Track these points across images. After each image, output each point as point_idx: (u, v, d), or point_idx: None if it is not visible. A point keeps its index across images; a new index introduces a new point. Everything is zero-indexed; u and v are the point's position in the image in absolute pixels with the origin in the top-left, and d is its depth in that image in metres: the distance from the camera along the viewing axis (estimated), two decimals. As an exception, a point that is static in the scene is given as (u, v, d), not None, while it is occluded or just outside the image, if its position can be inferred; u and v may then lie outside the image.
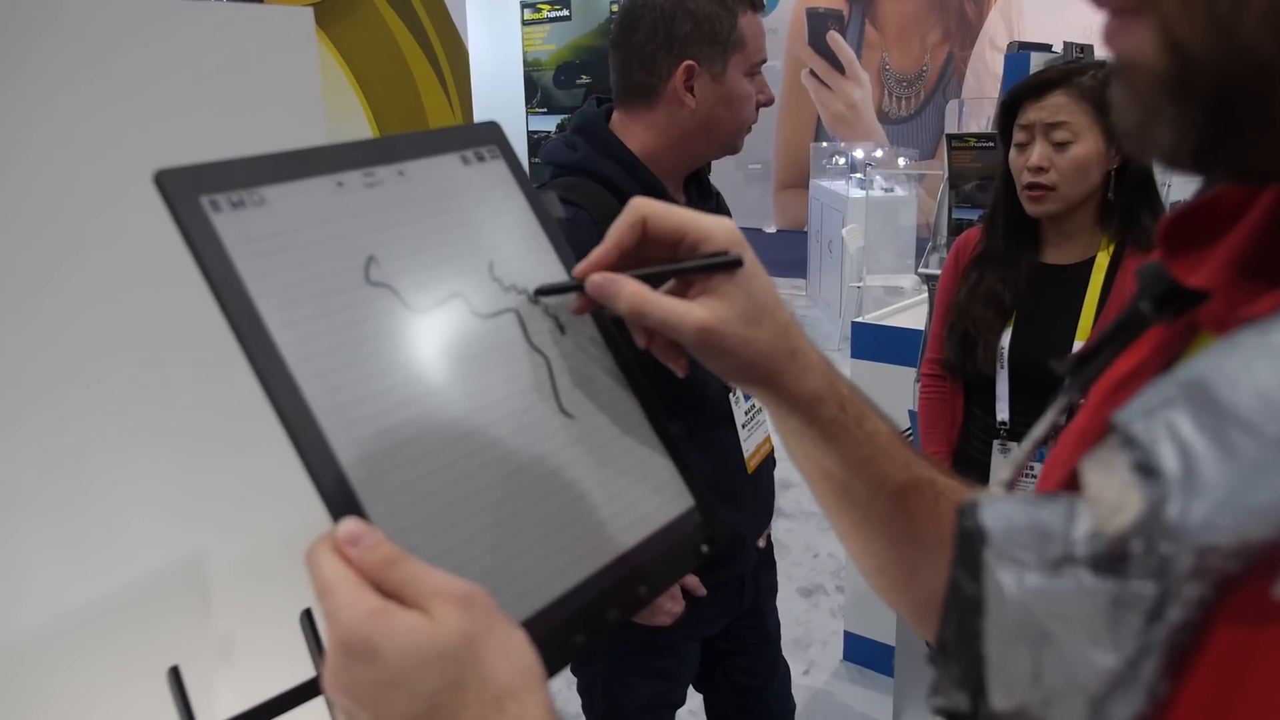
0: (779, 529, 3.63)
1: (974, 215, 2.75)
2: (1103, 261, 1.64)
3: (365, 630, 0.37)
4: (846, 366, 2.73)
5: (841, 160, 6.70)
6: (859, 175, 6.12)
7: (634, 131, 1.38)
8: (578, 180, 1.35)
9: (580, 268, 0.53)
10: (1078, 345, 1.52)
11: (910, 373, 1.94)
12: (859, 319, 2.87)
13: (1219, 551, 0.26)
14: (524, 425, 0.49)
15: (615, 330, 0.56)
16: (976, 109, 5.15)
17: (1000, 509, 0.31)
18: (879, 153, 6.62)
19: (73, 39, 1.01)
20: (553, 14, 6.24)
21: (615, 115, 1.42)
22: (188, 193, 0.43)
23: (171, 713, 0.90)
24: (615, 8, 5.96)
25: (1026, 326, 1.67)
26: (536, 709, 0.38)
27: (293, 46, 1.25)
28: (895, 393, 2.36)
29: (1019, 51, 3.91)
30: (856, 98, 7.85)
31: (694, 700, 1.69)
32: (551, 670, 0.44)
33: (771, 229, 8.31)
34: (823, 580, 3.36)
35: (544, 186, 1.39)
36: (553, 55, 6.28)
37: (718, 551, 0.56)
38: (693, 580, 1.44)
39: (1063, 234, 1.68)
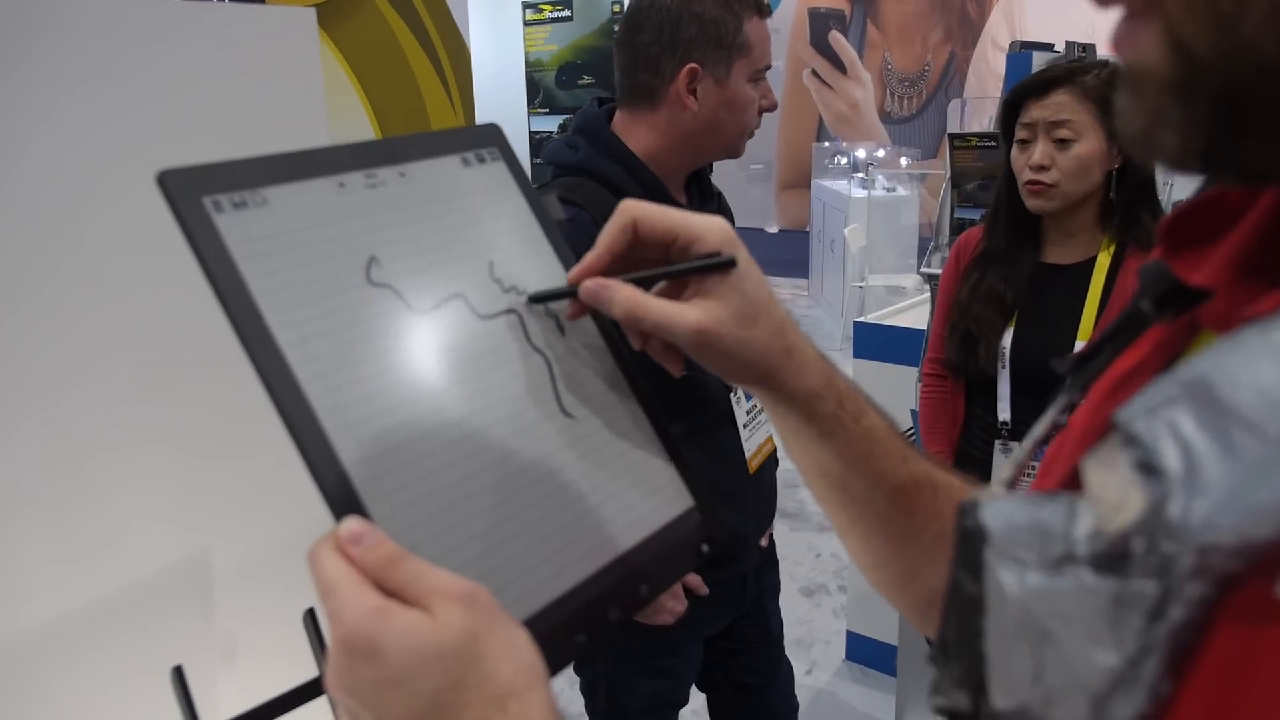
0: (781, 529, 3.62)
1: (976, 215, 2.74)
2: (1104, 261, 1.64)
3: (368, 629, 0.37)
4: (849, 366, 2.73)
5: (844, 160, 6.70)
6: (861, 175, 6.12)
7: (636, 132, 1.38)
8: (579, 181, 1.35)
9: (573, 273, 0.53)
10: (1079, 345, 1.52)
11: (913, 372, 1.94)
12: (861, 319, 2.87)
13: (1221, 550, 0.26)
14: (524, 426, 0.49)
15: (615, 331, 0.56)
16: (978, 108, 5.15)
17: (1001, 508, 0.31)
18: (881, 152, 6.62)
19: (74, 39, 1.01)
20: (554, 14, 6.24)
21: (618, 115, 1.42)
22: (191, 193, 0.43)
23: (174, 712, 0.90)
24: (617, 8, 5.95)
25: (1028, 326, 1.67)
26: (539, 707, 0.38)
27: (295, 47, 1.25)
28: (898, 392, 2.36)
29: (1021, 51, 3.91)
30: (858, 97, 7.85)
31: (697, 700, 1.70)
32: (553, 670, 0.44)
33: (774, 229, 8.31)
34: (825, 580, 3.36)
35: (545, 187, 1.39)
36: (554, 56, 6.28)
37: (719, 551, 0.56)
38: (695, 579, 1.44)
39: (1064, 233, 1.68)
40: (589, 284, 0.52)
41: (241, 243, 0.43)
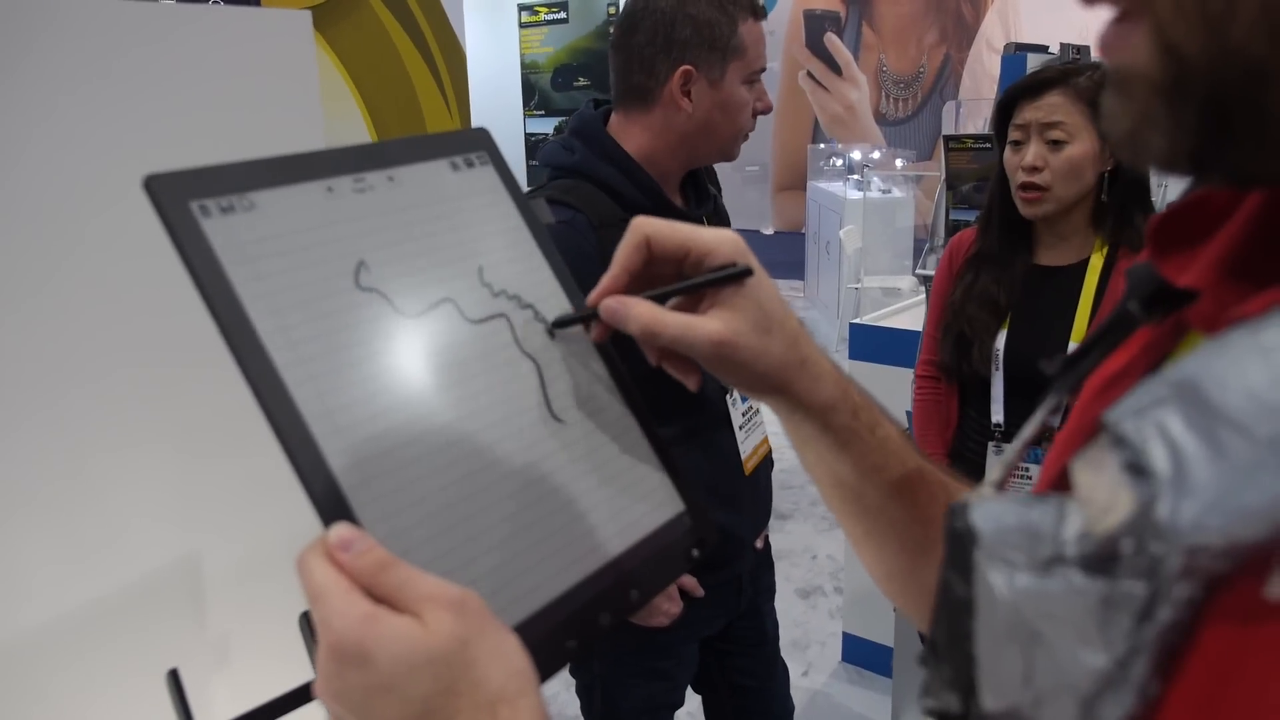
0: (778, 530, 3.63)
1: (971, 216, 2.75)
2: (1097, 263, 1.64)
3: (357, 635, 0.37)
4: (845, 367, 2.73)
5: (839, 162, 6.71)
6: (856, 177, 6.12)
7: (631, 133, 1.38)
8: (575, 183, 1.35)
9: (593, 296, 0.54)
10: (1073, 347, 1.53)
11: (908, 374, 1.94)
12: (857, 320, 2.87)
13: (1209, 552, 0.26)
14: (514, 430, 0.49)
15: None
16: (973, 110, 5.16)
17: (990, 510, 0.31)
18: (876, 154, 6.63)
19: (72, 40, 1.01)
20: (550, 16, 6.24)
21: (613, 117, 1.42)
22: (178, 198, 0.43)
23: (170, 714, 0.90)
24: (612, 10, 5.95)
25: (1021, 328, 1.67)
26: (529, 713, 0.38)
27: (291, 49, 1.25)
28: (893, 394, 2.36)
29: (1016, 53, 3.92)
30: (854, 99, 7.86)
31: (692, 701, 1.69)
32: (544, 675, 0.44)
33: (769, 231, 8.31)
34: (821, 581, 3.36)
35: (541, 188, 1.39)
36: (550, 58, 6.28)
37: (713, 553, 0.56)
38: (690, 581, 1.44)
39: (1057, 235, 1.68)
40: (607, 303, 0.52)
41: (229, 247, 0.43)
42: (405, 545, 0.43)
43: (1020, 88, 1.65)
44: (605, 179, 1.34)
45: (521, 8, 6.32)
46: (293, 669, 0.92)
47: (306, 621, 0.95)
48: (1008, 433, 1.68)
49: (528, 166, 6.01)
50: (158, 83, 1.09)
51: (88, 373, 1.04)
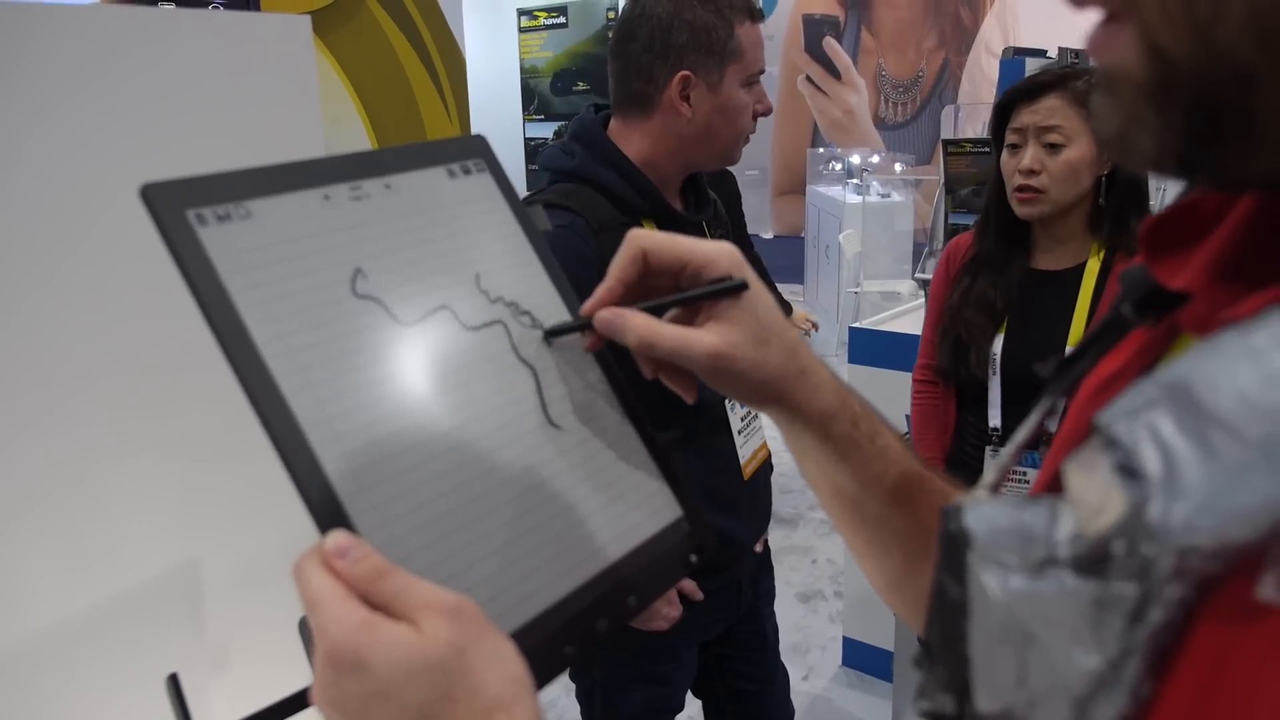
0: (777, 534, 3.62)
1: (970, 220, 2.75)
2: (1094, 267, 1.64)
3: (353, 643, 0.37)
4: (844, 372, 2.73)
5: (838, 166, 6.72)
6: (856, 181, 6.12)
7: (631, 139, 1.38)
8: (575, 187, 1.35)
9: (587, 306, 0.54)
10: (1070, 352, 1.53)
11: (908, 378, 1.94)
12: (856, 324, 2.87)
13: (1199, 552, 0.26)
14: (512, 437, 0.49)
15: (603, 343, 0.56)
16: (972, 114, 5.17)
17: (984, 512, 0.31)
18: (875, 158, 6.63)
19: (72, 44, 1.02)
20: (549, 21, 6.25)
21: (613, 123, 1.42)
22: (174, 207, 0.43)
23: (169, 719, 0.90)
24: (612, 15, 5.96)
25: (1018, 333, 1.67)
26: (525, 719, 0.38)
27: (291, 54, 1.25)
28: (893, 398, 2.36)
29: (1014, 57, 3.93)
30: (853, 103, 7.87)
31: (692, 706, 1.69)
32: (542, 681, 0.44)
33: (769, 235, 8.32)
34: (821, 586, 3.36)
35: (541, 192, 1.39)
36: (549, 62, 6.28)
37: (712, 558, 0.56)
38: (690, 585, 1.44)
39: (1054, 239, 1.68)
40: (603, 314, 0.52)
41: (225, 256, 0.43)
42: (402, 552, 0.43)
43: (1018, 91, 1.65)
44: (605, 183, 1.34)
45: (521, 12, 6.33)
46: (290, 674, 0.92)
47: (305, 627, 0.95)
48: (1005, 437, 1.68)
49: (527, 171, 6.01)
50: (158, 87, 1.09)
51: (87, 379, 1.04)
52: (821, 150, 7.37)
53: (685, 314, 0.54)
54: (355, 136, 3.44)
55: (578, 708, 1.59)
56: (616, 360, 0.56)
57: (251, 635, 1.20)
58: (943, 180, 3.25)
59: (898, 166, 6.46)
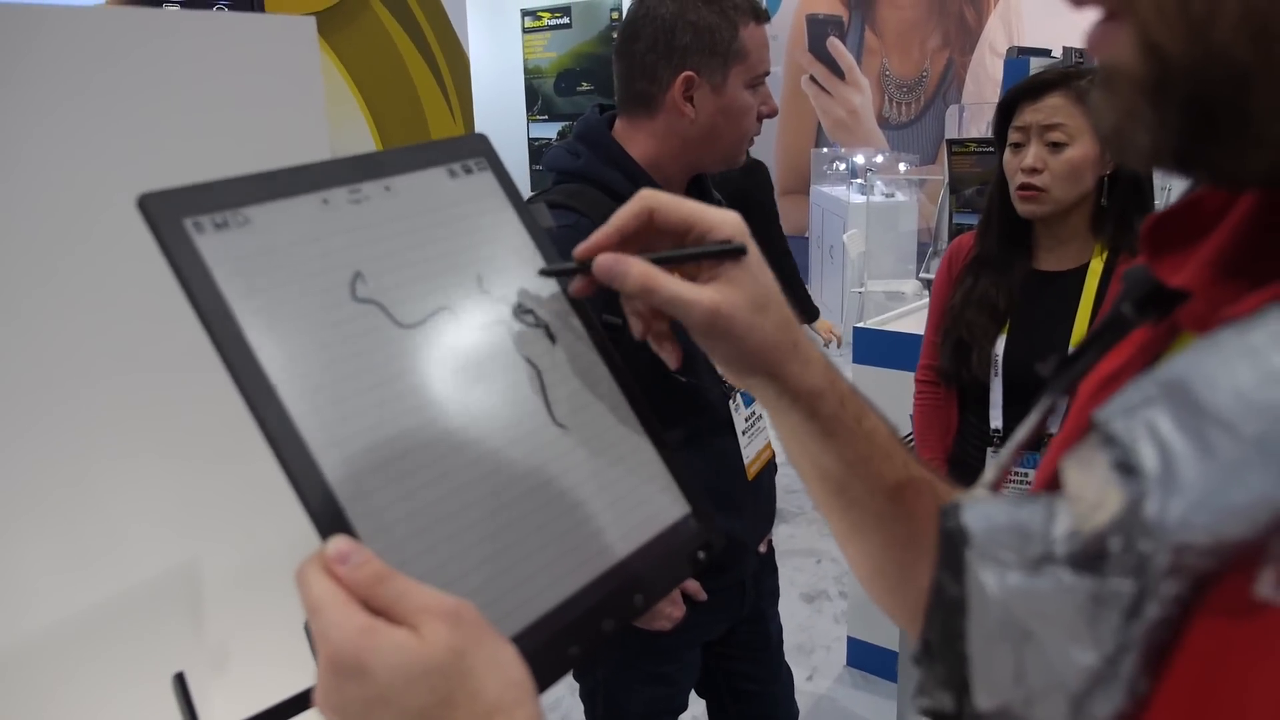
0: (781, 534, 3.62)
1: (974, 220, 2.75)
2: (1096, 268, 1.64)
3: (354, 648, 0.37)
4: (848, 372, 2.73)
5: (842, 166, 6.71)
6: (860, 181, 6.12)
7: (636, 139, 1.38)
8: (579, 187, 1.36)
9: (580, 249, 0.53)
10: (1070, 352, 1.53)
11: (913, 378, 1.94)
12: (861, 324, 2.87)
13: (1195, 549, 0.26)
14: (515, 437, 0.49)
15: (608, 338, 0.56)
16: (976, 114, 5.16)
17: (982, 510, 0.31)
18: (880, 158, 6.62)
19: (77, 45, 1.02)
20: (553, 22, 6.25)
21: (618, 123, 1.42)
22: (171, 216, 0.43)
23: (173, 718, 0.91)
24: (616, 15, 5.96)
25: (1021, 334, 1.67)
26: None
27: (296, 55, 1.26)
28: (898, 398, 2.36)
29: (1018, 57, 3.93)
30: (857, 103, 7.86)
31: (696, 706, 1.69)
32: (547, 683, 0.43)
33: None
34: (826, 585, 3.36)
35: (546, 192, 1.39)
36: (553, 63, 6.29)
37: (715, 557, 0.55)
38: (693, 585, 1.44)
39: (1056, 239, 1.68)
40: (603, 259, 0.52)
41: (223, 264, 0.43)
42: (403, 556, 0.43)
43: (1021, 89, 1.65)
44: (610, 184, 1.35)
45: (525, 13, 6.33)
46: (292, 675, 0.92)
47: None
48: (1007, 438, 1.68)
49: (531, 171, 6.02)
50: (163, 88, 1.09)
51: (88, 379, 1.04)
52: (825, 150, 7.36)
53: (684, 273, 0.54)
54: (359, 137, 3.45)
55: (581, 707, 1.59)
56: (623, 357, 0.56)
57: (253, 635, 1.20)
58: (947, 180, 3.25)
59: (902, 166, 6.45)
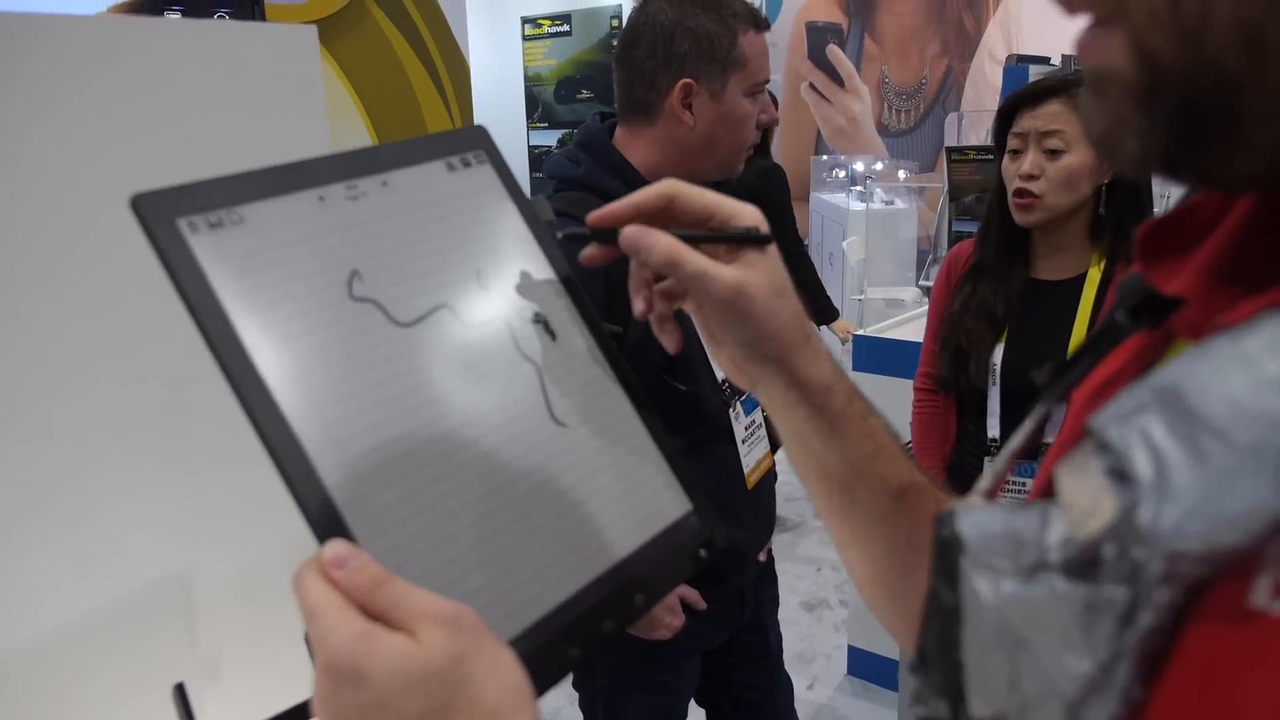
0: (781, 542, 3.62)
1: (974, 227, 2.75)
2: (1094, 277, 1.64)
3: (351, 654, 0.37)
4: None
5: (841, 173, 6.71)
6: (859, 188, 6.12)
7: (636, 147, 1.39)
8: (580, 195, 1.36)
9: (595, 215, 0.54)
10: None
11: (912, 385, 1.94)
12: (860, 331, 2.87)
13: (1189, 557, 0.26)
14: (514, 436, 0.49)
15: (608, 336, 0.56)
16: (976, 122, 5.17)
17: (976, 518, 0.31)
18: (879, 166, 6.63)
19: (77, 54, 1.02)
20: (553, 29, 6.26)
21: (618, 131, 1.42)
22: (164, 216, 0.42)
23: (170, 727, 0.90)
24: (616, 23, 5.98)
25: (1019, 343, 1.67)
26: None
27: (297, 64, 1.26)
28: (897, 405, 2.36)
29: (1017, 64, 3.93)
30: (856, 111, 7.87)
31: (696, 715, 1.69)
32: (547, 685, 0.43)
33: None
34: (826, 594, 3.35)
35: (547, 199, 1.39)
36: (553, 70, 6.29)
37: (716, 560, 0.55)
38: (693, 594, 1.44)
39: (1053, 248, 1.68)
40: (631, 230, 0.52)
41: (217, 264, 0.42)
42: (401, 560, 0.42)
43: (1020, 96, 1.65)
44: (610, 191, 1.35)
45: (525, 20, 6.34)
46: (292, 685, 0.92)
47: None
48: (1004, 447, 1.68)
49: (531, 178, 6.02)
50: (164, 97, 1.10)
51: (86, 386, 1.04)
52: (825, 157, 7.37)
53: (707, 254, 0.55)
54: (359, 145, 3.45)
55: (581, 716, 1.59)
56: (624, 355, 0.56)
57: (254, 644, 1.20)
58: (946, 187, 3.25)
59: (901, 174, 6.45)
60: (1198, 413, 0.27)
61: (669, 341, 0.57)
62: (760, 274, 0.53)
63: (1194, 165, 0.32)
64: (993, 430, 1.68)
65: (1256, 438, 0.26)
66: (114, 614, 1.08)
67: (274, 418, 0.41)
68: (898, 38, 7.76)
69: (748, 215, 0.55)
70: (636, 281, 0.56)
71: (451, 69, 3.82)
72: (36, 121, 0.99)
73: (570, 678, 1.59)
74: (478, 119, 4.05)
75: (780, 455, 1.24)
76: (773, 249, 0.54)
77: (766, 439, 1.54)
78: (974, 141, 4.62)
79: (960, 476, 1.75)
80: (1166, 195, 2.38)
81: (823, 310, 3.32)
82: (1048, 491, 0.38)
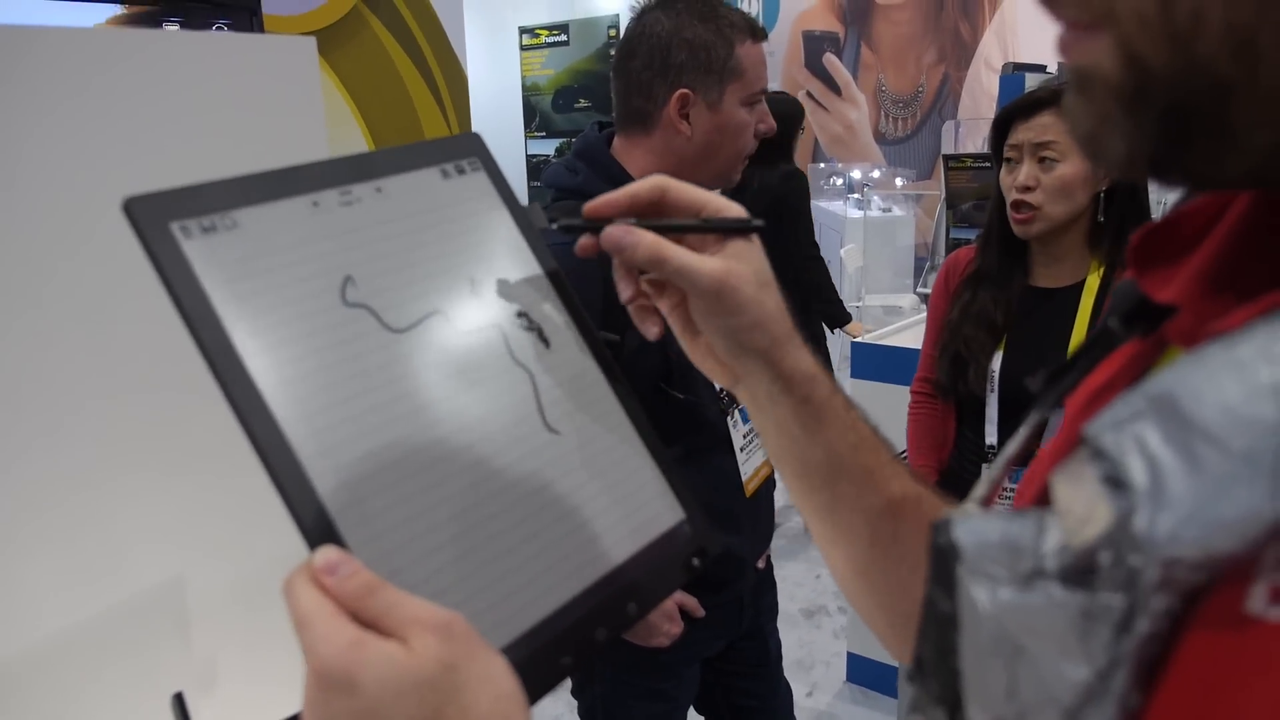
0: (782, 550, 3.61)
1: (971, 235, 2.76)
2: (1093, 284, 1.64)
3: (343, 662, 0.36)
4: (847, 386, 2.73)
5: (839, 181, 6.73)
6: (857, 196, 6.13)
7: (634, 156, 1.39)
8: (578, 204, 1.35)
9: (590, 206, 0.54)
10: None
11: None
12: (859, 339, 2.87)
13: (1185, 564, 0.26)
14: (507, 443, 0.48)
15: (601, 343, 0.56)
16: (972, 129, 5.19)
17: (972, 525, 0.31)
18: (876, 173, 6.64)
19: (77, 66, 1.02)
20: (551, 39, 6.28)
21: (616, 140, 1.43)
22: (157, 220, 0.42)
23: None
24: (613, 33, 5.99)
25: (1017, 350, 1.67)
26: None
27: (296, 76, 1.26)
28: (896, 412, 2.36)
29: (1014, 73, 3.95)
30: (853, 119, 7.89)
31: (695, 723, 1.69)
32: (539, 693, 0.43)
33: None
34: (825, 601, 3.35)
35: (545, 209, 1.40)
36: (551, 80, 6.31)
37: (713, 574, 0.55)
38: (691, 601, 1.44)
39: (1052, 256, 1.68)
40: (613, 229, 0.53)
41: (210, 268, 0.42)
42: (394, 566, 0.42)
43: (1014, 108, 1.66)
44: (607, 200, 1.35)
45: (523, 30, 6.36)
46: (286, 694, 0.92)
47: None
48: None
49: (529, 187, 6.03)
50: (162, 109, 1.10)
51: (78, 395, 1.04)
52: (823, 165, 7.38)
53: (694, 245, 0.55)
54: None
55: (580, 724, 1.58)
56: (618, 361, 0.56)
57: (249, 653, 1.20)
58: (943, 195, 3.26)
59: (899, 181, 6.47)
60: (1192, 420, 0.27)
61: (649, 329, 0.57)
62: (745, 264, 0.54)
63: (1182, 166, 0.32)
64: (991, 437, 1.69)
65: (1251, 444, 0.26)
66: (109, 622, 1.08)
67: (266, 423, 0.41)
68: (894, 46, 7.78)
69: (736, 210, 0.56)
70: (621, 268, 0.56)
71: (449, 79, 3.82)
72: (37, 134, 1.00)
73: (569, 684, 1.58)
74: (476, 128, 4.05)
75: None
76: (757, 242, 0.55)
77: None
78: (971, 149, 4.63)
79: (959, 483, 1.76)
80: (1163, 202, 2.39)
81: (836, 314, 3.33)
82: (1042, 499, 0.38)
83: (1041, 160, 1.60)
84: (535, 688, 0.42)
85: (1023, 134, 1.62)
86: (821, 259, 3.31)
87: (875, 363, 2.68)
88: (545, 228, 0.57)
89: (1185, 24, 0.29)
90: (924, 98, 7.74)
